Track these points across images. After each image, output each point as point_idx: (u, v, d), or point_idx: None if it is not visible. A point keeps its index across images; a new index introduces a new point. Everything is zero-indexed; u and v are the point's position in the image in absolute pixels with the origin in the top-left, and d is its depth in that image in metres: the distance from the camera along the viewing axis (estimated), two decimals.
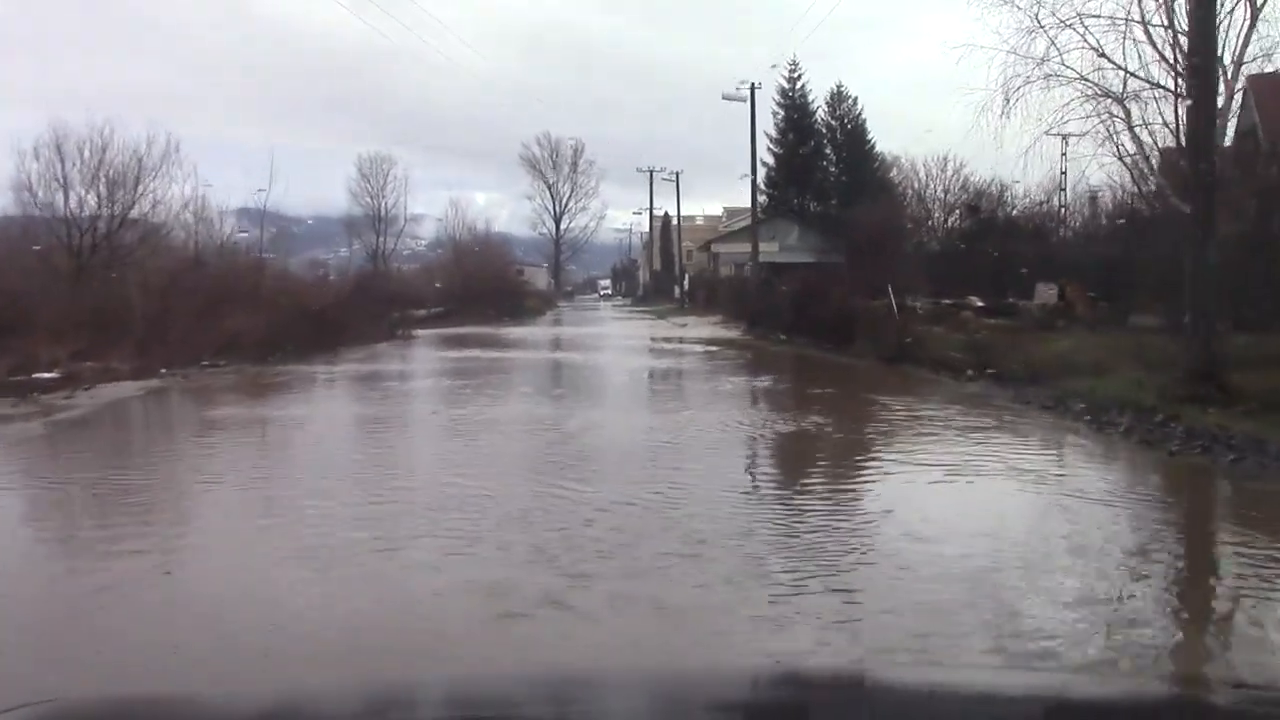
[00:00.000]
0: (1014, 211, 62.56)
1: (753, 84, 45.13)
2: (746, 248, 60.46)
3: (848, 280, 31.91)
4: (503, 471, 11.12)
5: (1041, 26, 20.52)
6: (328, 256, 62.34)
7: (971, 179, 57.68)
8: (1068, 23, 21.22)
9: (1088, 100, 22.46)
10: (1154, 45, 21.15)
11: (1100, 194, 51.78)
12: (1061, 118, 22.49)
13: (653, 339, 36.96)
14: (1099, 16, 19.98)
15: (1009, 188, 61.49)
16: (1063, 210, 57.36)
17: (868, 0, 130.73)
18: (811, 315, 30.35)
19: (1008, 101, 21.77)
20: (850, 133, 66.77)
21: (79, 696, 3.49)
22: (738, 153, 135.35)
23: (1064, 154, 57.48)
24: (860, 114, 65.12)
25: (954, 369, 21.12)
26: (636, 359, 29.13)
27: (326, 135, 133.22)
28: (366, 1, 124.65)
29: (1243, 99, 22.89)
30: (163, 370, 22.87)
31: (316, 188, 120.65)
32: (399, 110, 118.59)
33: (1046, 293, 34.56)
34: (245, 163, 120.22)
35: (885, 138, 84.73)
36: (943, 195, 64.18)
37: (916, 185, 63.30)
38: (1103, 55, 21.95)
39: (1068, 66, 21.18)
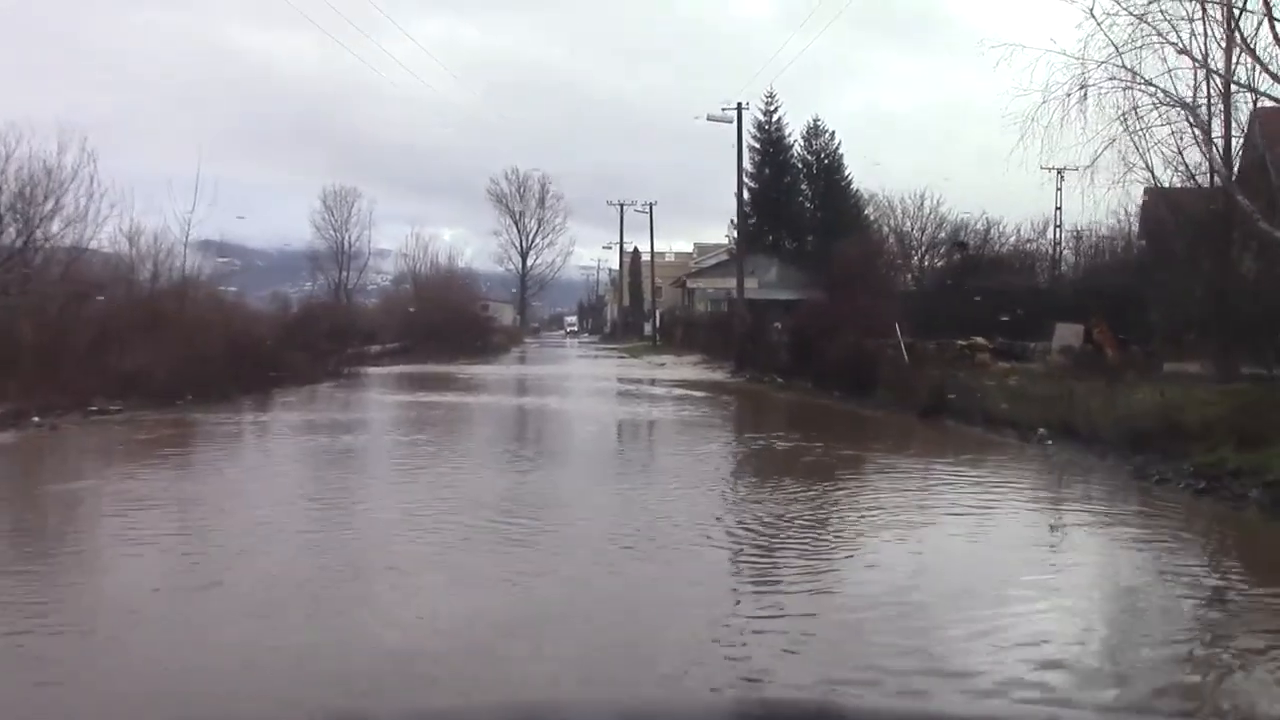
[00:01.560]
0: (1001, 249, 58.96)
1: (739, 103, 41.48)
2: (723, 283, 56.59)
3: (843, 317, 27.56)
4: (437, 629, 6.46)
5: (1097, 22, 17.22)
6: (293, 290, 59.11)
7: (949, 216, 53.81)
8: (1141, 15, 17.50)
9: (1154, 109, 18.84)
10: (1243, 41, 17.52)
11: (1084, 232, 48.34)
12: (1126, 125, 18.68)
13: (628, 381, 32.32)
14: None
15: (995, 224, 57.64)
16: (1058, 247, 53.77)
17: (840, 39, 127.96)
18: (817, 356, 25.98)
19: (1069, 98, 17.94)
20: (827, 168, 64.84)
21: None
22: (708, 189, 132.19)
23: (1059, 188, 53.85)
24: (838, 148, 62.80)
25: (1014, 426, 16.75)
26: (615, 406, 24.63)
27: (293, 169, 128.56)
28: (334, 38, 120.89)
29: None
30: (35, 418, 18.07)
31: (283, 221, 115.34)
32: (366, 145, 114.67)
33: (1069, 334, 30.38)
34: (213, 196, 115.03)
35: (862, 174, 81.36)
36: (919, 233, 60.89)
37: (893, 222, 60.01)
38: (1183, 52, 18.15)
39: (1129, 70, 17.60)
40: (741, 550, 8.70)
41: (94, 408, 19.90)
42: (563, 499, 11.11)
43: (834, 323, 26.98)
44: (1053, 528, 10.22)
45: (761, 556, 8.54)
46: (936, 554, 8.48)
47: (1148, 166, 19.39)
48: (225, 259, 46.21)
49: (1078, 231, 50.67)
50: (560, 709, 2.26)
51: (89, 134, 26.05)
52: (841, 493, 11.63)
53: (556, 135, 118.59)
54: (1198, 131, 19.05)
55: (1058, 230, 53.49)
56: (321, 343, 35.12)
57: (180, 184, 29.72)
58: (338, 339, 41.04)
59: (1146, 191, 23.43)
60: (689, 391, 27.12)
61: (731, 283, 56.54)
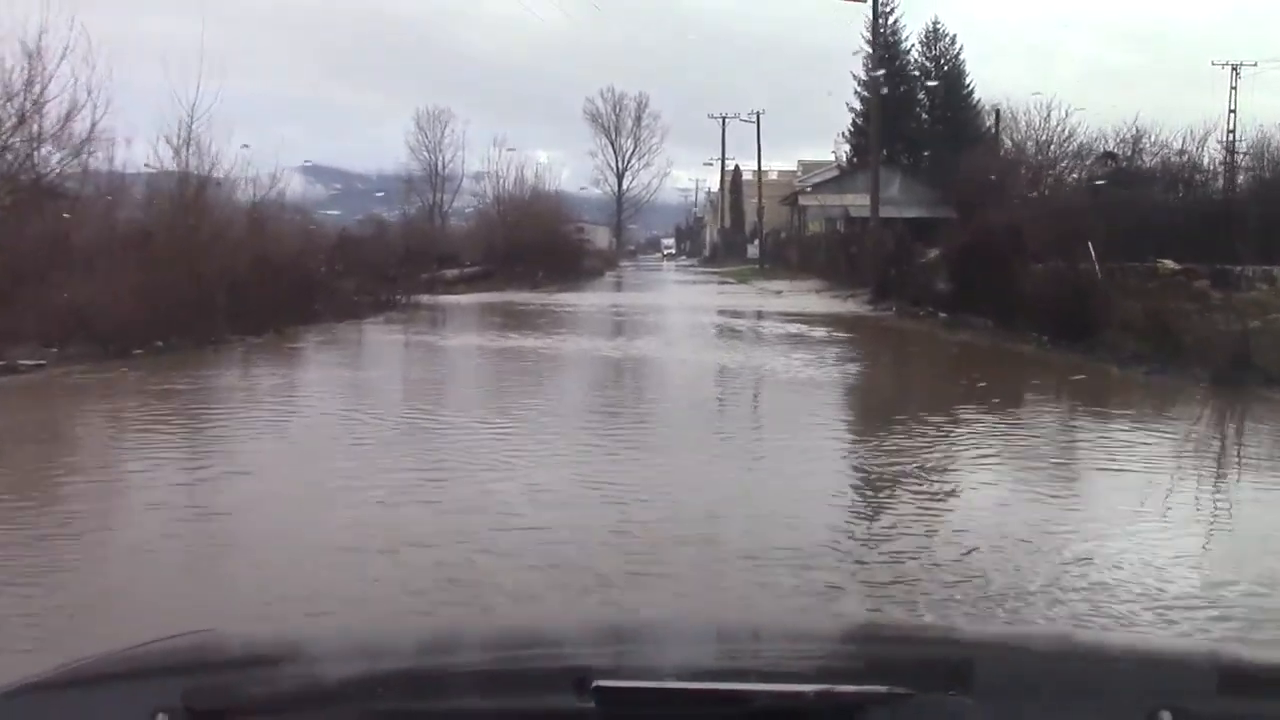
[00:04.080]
0: (1154, 161, 49.59)
1: None
2: (839, 200, 49.24)
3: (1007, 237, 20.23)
4: None
5: None
6: (391, 213, 54.76)
7: (1080, 130, 44.92)
8: None
9: None
10: None
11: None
12: None
13: (745, 316, 25.32)
14: None
15: (1145, 133, 48.03)
16: (1232, 155, 45.07)
17: None
18: (999, 286, 18.90)
19: None
20: (947, 76, 56.88)
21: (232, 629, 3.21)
22: (809, 108, 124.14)
23: (1234, 86, 44.64)
24: (959, 55, 55.17)
25: None
26: (742, 356, 16.94)
27: (392, 93, 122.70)
28: None
29: None
30: None
31: (388, 145, 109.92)
32: (463, 69, 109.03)
33: None
34: (306, 119, 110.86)
35: (986, 82, 72.67)
36: (1049, 148, 52.04)
37: (1016, 137, 51.43)
38: None
39: None
40: None
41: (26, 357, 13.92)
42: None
43: (1013, 243, 19.79)
44: None
45: None
46: None
47: None
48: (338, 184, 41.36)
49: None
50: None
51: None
52: None
53: (654, 55, 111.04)
54: None
55: (1230, 136, 45.16)
56: (372, 268, 28.97)
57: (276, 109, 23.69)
58: (410, 264, 35.12)
59: None
60: (831, 332, 20.23)
61: (849, 199, 49.17)
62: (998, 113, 44.49)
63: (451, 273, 39.34)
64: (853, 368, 15.59)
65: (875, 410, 12.05)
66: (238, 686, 1.56)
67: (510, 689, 1.56)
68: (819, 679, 1.44)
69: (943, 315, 21.38)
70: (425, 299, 28.43)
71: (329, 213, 49.89)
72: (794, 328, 21.01)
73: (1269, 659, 2.15)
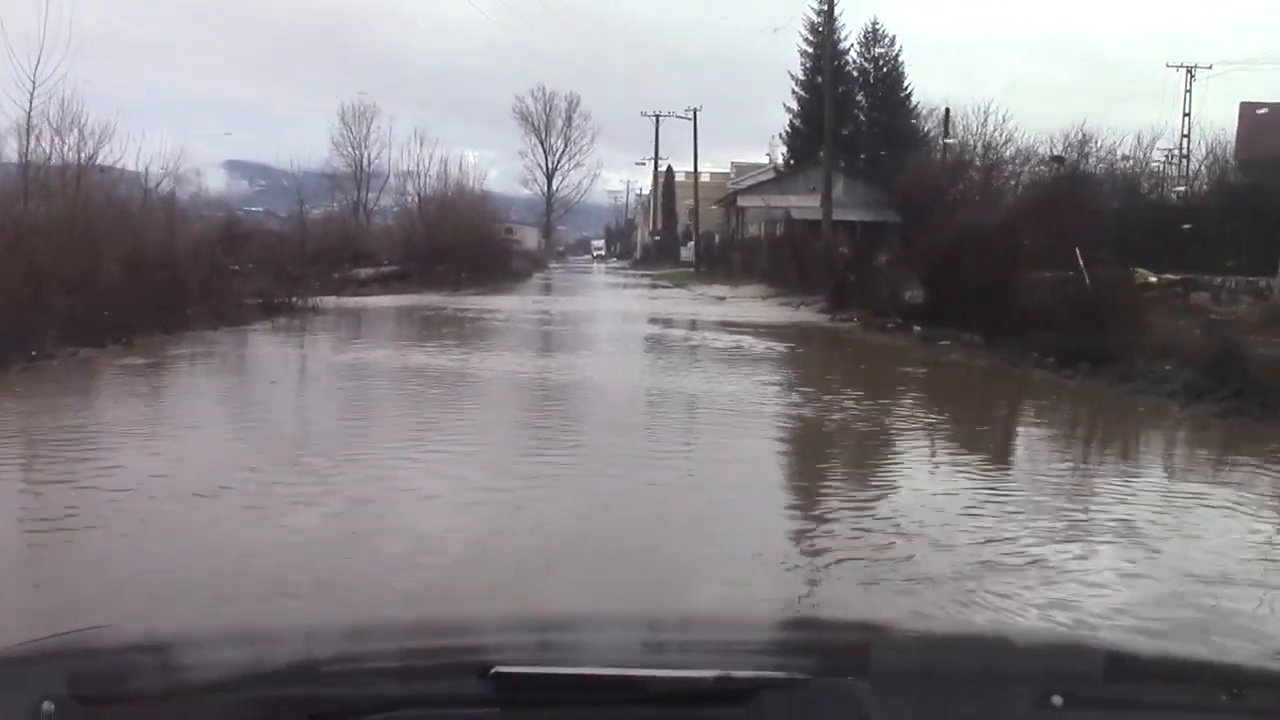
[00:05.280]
0: (1100, 166, 47.46)
1: None
2: (781, 201, 46.43)
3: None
4: None
5: None
6: (316, 211, 51.33)
7: (1016, 135, 42.60)
8: None
9: None
10: None
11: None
12: None
13: (694, 327, 22.05)
14: None
15: (1090, 138, 45.69)
16: (1185, 160, 43.05)
17: None
18: (991, 297, 15.97)
19: None
20: (886, 77, 53.91)
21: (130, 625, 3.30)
22: (742, 112, 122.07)
23: (1188, 89, 42.53)
24: (898, 56, 52.40)
25: None
26: (701, 383, 13.01)
27: (322, 91, 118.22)
28: None
29: None
30: None
31: (315, 142, 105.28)
32: (392, 67, 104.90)
33: None
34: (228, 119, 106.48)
35: (924, 84, 70.29)
36: (982, 151, 49.83)
37: (956, 140, 49.25)
38: None
39: None
40: None
41: None
42: None
43: (1009, 249, 16.90)
44: None
45: None
46: None
47: None
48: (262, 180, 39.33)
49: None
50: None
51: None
52: None
53: (586, 56, 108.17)
54: None
55: (1185, 141, 43.10)
56: (288, 266, 25.51)
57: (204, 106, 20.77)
58: (321, 261, 31.68)
59: None
60: (791, 348, 17.09)
61: (791, 200, 46.51)
62: (947, 112, 41.97)
63: (366, 272, 35.74)
64: (836, 401, 11.54)
65: (895, 486, 7.83)
66: (128, 675, 1.49)
67: (410, 676, 1.51)
68: (716, 665, 1.41)
69: (916, 328, 18.45)
70: (331, 301, 24.85)
71: (252, 209, 46.93)
72: (746, 342, 17.81)
73: (1154, 648, 2.54)
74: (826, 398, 11.67)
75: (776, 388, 12.64)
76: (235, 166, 68.03)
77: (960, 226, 18.71)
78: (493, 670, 1.29)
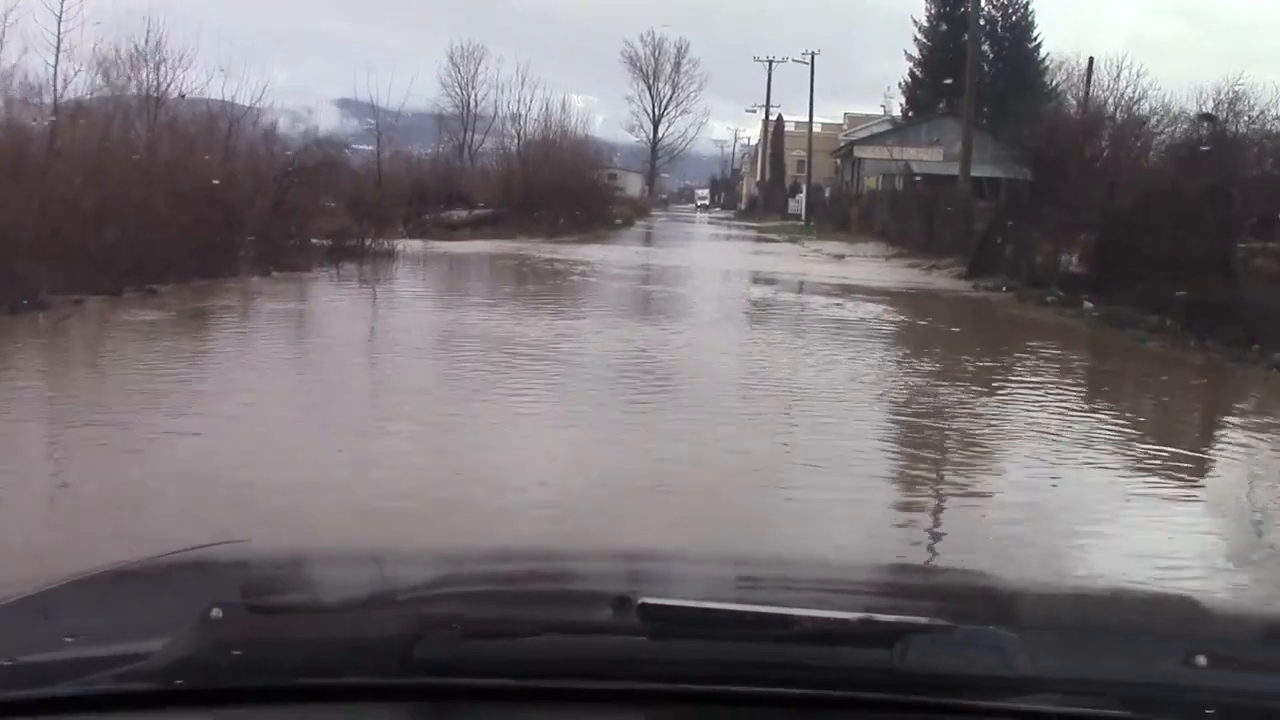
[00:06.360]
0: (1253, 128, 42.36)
1: None
2: (900, 153, 42.78)
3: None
4: None
5: None
6: (424, 151, 49.71)
7: (1153, 91, 37.96)
8: None
9: None
10: None
11: None
12: None
13: (819, 291, 18.71)
14: None
15: (1240, 97, 40.10)
16: None
17: None
18: (1178, 270, 12.64)
19: None
20: (1014, 26, 49.95)
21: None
22: (855, 55, 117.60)
23: None
24: (1028, 4, 49.06)
25: None
26: (844, 371, 9.70)
27: (430, 31, 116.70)
28: None
29: None
30: None
31: (417, 83, 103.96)
32: (503, 9, 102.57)
33: None
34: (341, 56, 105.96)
35: (1053, 34, 64.95)
36: (1116, 107, 45.10)
37: (1079, 96, 44.73)
38: None
39: None
40: None
41: None
42: None
43: (1219, 219, 13.47)
44: None
45: None
46: None
47: None
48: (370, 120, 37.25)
49: None
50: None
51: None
52: None
53: (695, 5, 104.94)
54: None
55: None
56: (368, 207, 23.22)
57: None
58: (417, 203, 29.74)
59: None
60: (948, 325, 13.99)
61: (910, 154, 42.89)
62: (1090, 61, 37.69)
63: (458, 214, 33.32)
64: (1066, 427, 7.68)
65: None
66: (288, 587, 1.51)
67: (557, 601, 1.54)
68: (859, 608, 1.40)
69: (1086, 304, 15.10)
70: (416, 246, 22.25)
71: (361, 147, 45.31)
72: (885, 314, 14.65)
73: None
74: (1053, 425, 7.75)
75: (961, 391, 9.00)
76: (347, 105, 66.56)
77: (1150, 188, 15.23)
78: (640, 601, 1.26)
